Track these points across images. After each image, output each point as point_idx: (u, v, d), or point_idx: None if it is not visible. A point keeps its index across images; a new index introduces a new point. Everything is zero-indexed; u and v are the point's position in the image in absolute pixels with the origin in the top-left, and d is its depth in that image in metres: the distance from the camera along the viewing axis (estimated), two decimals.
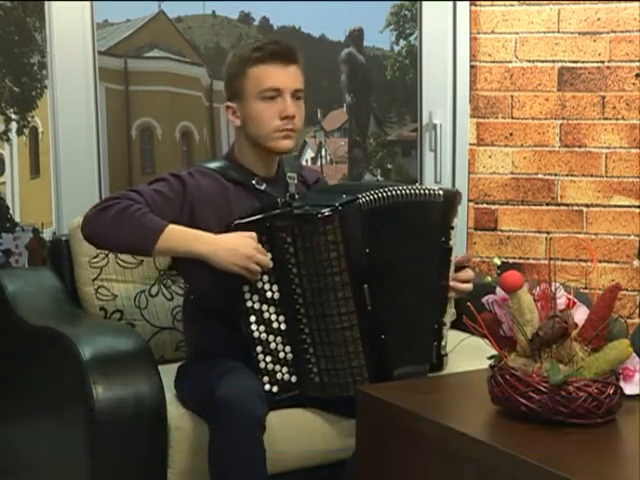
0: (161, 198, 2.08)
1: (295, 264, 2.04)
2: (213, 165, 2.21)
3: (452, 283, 2.18)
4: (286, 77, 2.12)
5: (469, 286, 2.21)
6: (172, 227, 2.01)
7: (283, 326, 2.07)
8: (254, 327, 2.06)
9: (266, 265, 2.03)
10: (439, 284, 2.17)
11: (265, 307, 2.06)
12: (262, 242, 2.04)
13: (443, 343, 2.21)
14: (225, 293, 2.07)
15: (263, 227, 2.04)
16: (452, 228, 2.18)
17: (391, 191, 2.08)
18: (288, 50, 2.14)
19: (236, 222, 2.05)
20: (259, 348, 2.06)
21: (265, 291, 2.06)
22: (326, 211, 2.01)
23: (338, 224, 2.01)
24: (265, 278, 2.06)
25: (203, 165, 2.22)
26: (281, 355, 2.07)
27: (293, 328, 2.07)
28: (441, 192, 2.16)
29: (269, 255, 2.04)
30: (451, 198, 2.19)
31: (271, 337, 2.07)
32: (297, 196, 2.13)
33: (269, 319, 2.07)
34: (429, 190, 2.15)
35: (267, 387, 2.05)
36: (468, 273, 2.23)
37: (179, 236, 2.02)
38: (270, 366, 2.07)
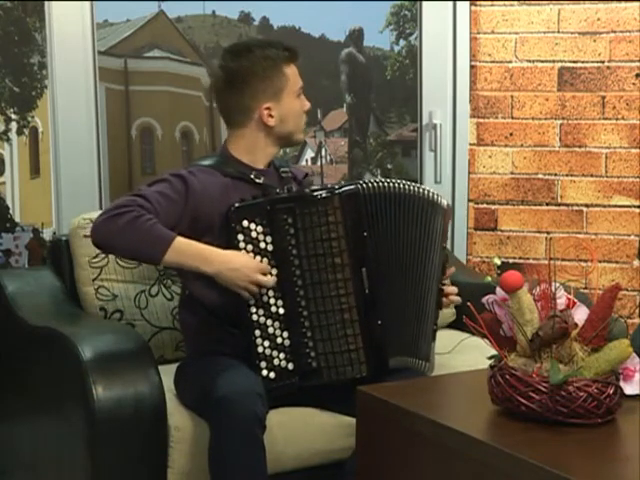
0: (166, 200, 2.09)
1: (295, 245, 2.07)
2: (209, 162, 2.22)
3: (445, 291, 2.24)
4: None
5: (458, 299, 2.26)
6: (179, 240, 2.04)
7: (282, 310, 2.09)
8: (253, 310, 2.07)
9: (267, 284, 2.06)
10: (438, 286, 2.19)
11: (264, 290, 2.08)
12: (263, 225, 2.07)
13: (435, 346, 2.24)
14: (222, 290, 2.08)
15: (264, 210, 2.07)
16: (447, 239, 2.27)
17: (390, 183, 2.14)
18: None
19: (237, 205, 2.07)
20: (257, 332, 2.07)
21: (265, 274, 2.08)
22: (325, 192, 2.08)
23: (338, 205, 2.07)
24: (265, 261, 2.08)
25: (199, 163, 2.23)
26: (279, 340, 2.08)
27: (292, 312, 2.08)
28: (444, 201, 2.22)
29: (269, 238, 2.07)
30: (450, 211, 2.26)
31: (269, 321, 2.08)
32: (294, 188, 2.18)
33: (268, 302, 2.08)
34: (431, 192, 2.20)
35: (264, 373, 2.06)
36: (453, 288, 2.28)
37: (186, 251, 2.05)
38: (268, 351, 2.08)
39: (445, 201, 2.22)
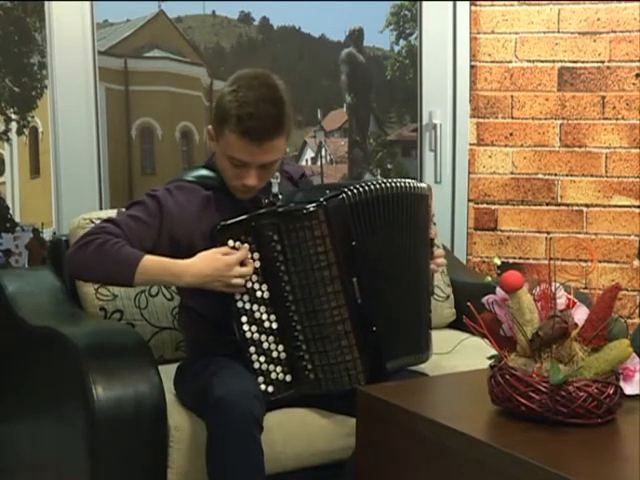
0: (138, 224, 2.06)
1: (283, 261, 2.05)
2: (193, 176, 2.18)
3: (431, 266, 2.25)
4: (257, 154, 2.04)
5: (444, 261, 2.28)
6: (147, 259, 2.01)
7: (275, 325, 2.08)
8: (246, 327, 2.06)
9: (248, 273, 2.04)
10: (428, 273, 2.21)
11: (256, 307, 2.07)
12: (249, 242, 2.04)
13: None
14: (212, 298, 2.07)
15: (249, 227, 2.05)
16: (430, 219, 2.25)
17: (374, 185, 2.10)
18: (269, 127, 2.02)
19: (221, 224, 2.04)
20: (252, 348, 2.06)
21: (255, 291, 2.07)
22: (311, 206, 2.03)
23: (323, 218, 2.02)
24: (254, 278, 2.06)
25: (182, 178, 2.18)
26: (274, 354, 2.08)
27: (285, 326, 2.07)
28: (424, 186, 2.20)
29: (256, 255, 2.05)
30: (430, 192, 2.23)
31: (263, 337, 2.07)
32: (281, 196, 2.12)
33: (260, 319, 2.07)
34: (413, 183, 2.17)
35: (262, 387, 2.05)
36: (440, 251, 2.29)
37: (155, 269, 2.02)
38: (264, 366, 2.07)
39: (425, 185, 2.20)
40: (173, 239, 2.09)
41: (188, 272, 2.02)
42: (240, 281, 2.03)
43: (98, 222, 2.16)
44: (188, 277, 2.02)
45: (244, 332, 2.06)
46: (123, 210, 2.12)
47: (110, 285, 2.29)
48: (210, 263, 2.02)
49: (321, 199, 2.03)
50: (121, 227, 2.05)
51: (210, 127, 2.13)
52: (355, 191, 2.06)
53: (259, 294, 2.07)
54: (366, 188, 2.08)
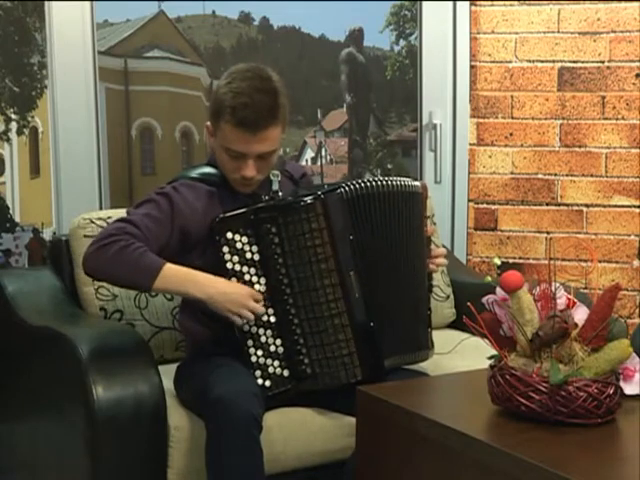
0: (153, 223, 2.08)
1: (281, 254, 2.06)
2: (196, 173, 2.20)
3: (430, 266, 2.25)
4: (252, 144, 2.06)
5: (444, 261, 2.28)
6: (168, 267, 2.03)
7: (273, 319, 2.09)
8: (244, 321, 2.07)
9: (259, 313, 2.05)
10: (426, 272, 2.22)
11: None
12: (247, 235, 2.06)
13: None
14: None
15: (248, 220, 2.07)
16: (428, 217, 2.27)
17: (372, 182, 2.12)
18: (263, 116, 2.04)
19: (221, 216, 2.06)
20: (250, 342, 2.07)
21: (253, 284, 2.07)
22: (308, 199, 2.05)
23: (321, 211, 2.05)
24: (252, 271, 2.08)
25: (186, 175, 2.20)
26: (272, 348, 2.08)
27: (283, 320, 2.08)
28: (418, 183, 2.22)
29: (255, 248, 2.06)
30: (425, 189, 2.24)
31: (261, 330, 2.08)
32: (280, 193, 2.15)
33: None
34: (408, 182, 2.19)
35: (260, 381, 2.06)
36: (441, 250, 2.30)
37: (176, 277, 2.03)
38: (262, 360, 2.07)
39: (418, 183, 2.22)
40: (184, 233, 2.11)
41: (209, 284, 2.03)
42: (249, 315, 2.03)
43: (111, 221, 2.17)
44: (207, 288, 2.03)
45: (242, 325, 2.06)
46: (133, 209, 2.13)
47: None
48: (232, 285, 2.04)
49: (318, 192, 2.06)
50: (140, 227, 2.06)
51: (208, 123, 2.15)
52: (352, 187, 2.09)
53: (257, 287, 2.08)
54: (362, 185, 2.11)
